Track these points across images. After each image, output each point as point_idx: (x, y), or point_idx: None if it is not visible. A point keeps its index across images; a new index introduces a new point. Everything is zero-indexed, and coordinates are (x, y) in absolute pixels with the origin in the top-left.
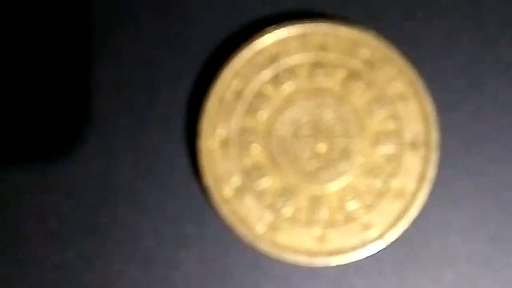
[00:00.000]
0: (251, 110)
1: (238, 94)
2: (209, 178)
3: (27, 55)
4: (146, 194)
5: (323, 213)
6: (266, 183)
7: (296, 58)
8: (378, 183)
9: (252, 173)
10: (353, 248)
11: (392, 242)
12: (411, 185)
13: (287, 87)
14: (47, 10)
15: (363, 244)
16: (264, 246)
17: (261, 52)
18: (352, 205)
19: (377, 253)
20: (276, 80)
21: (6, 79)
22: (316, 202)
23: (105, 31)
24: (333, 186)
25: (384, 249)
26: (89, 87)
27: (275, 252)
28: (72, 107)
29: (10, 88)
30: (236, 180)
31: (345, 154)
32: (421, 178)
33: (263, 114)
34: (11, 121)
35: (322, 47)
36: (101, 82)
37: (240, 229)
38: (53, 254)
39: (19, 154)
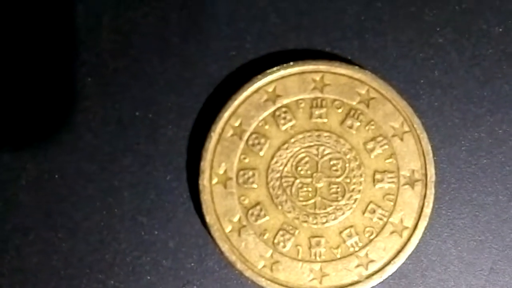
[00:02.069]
0: (251, 148)
1: (239, 133)
2: (210, 215)
3: (29, 95)
4: (149, 230)
5: (322, 250)
6: (266, 220)
7: (295, 98)
8: (376, 219)
9: (252, 211)
10: (352, 284)
11: (390, 277)
12: (408, 221)
13: (286, 126)
14: (51, 51)
15: (362, 280)
16: (264, 282)
17: (260, 91)
18: (350, 241)
19: None
20: (275, 119)
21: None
22: (315, 238)
23: (108, 71)
24: (332, 223)
25: (382, 283)
26: (92, 125)
27: None
28: (76, 145)
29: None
30: (236, 217)
31: (344, 191)
32: (419, 214)
33: (263, 153)
34: None
35: (321, 86)
36: (105, 121)
37: (241, 265)
38: None
39: None
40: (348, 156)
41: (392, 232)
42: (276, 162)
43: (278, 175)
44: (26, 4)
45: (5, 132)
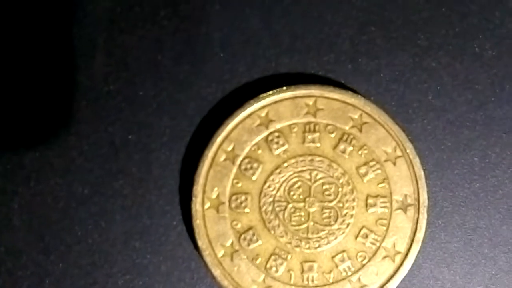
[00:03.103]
0: (244, 173)
1: (231, 158)
2: (202, 240)
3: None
4: (141, 254)
5: (315, 274)
6: (258, 245)
7: (288, 122)
8: (368, 244)
9: (245, 235)
10: None
11: None
12: (401, 246)
13: (279, 150)
14: (45, 73)
15: None
16: None
17: (253, 116)
18: (343, 266)
19: None
20: (268, 143)
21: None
22: (307, 263)
23: (101, 94)
24: (324, 248)
25: None
26: (85, 148)
27: None
28: (68, 168)
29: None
30: (229, 242)
31: (336, 216)
32: (411, 239)
33: (256, 177)
34: None
35: (313, 111)
36: (97, 144)
37: None
38: None
39: None
40: (341, 181)
41: (384, 257)
42: (269, 187)
43: (271, 199)
44: (22, 27)
45: None
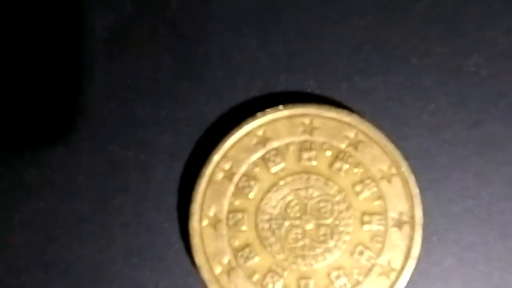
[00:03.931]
0: (241, 191)
1: (229, 176)
2: (200, 257)
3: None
4: (140, 270)
5: None
6: (255, 262)
7: (285, 141)
8: (364, 261)
9: (242, 253)
10: None
11: None
12: (396, 263)
13: (276, 169)
14: (44, 93)
15: None
16: None
17: (250, 135)
18: (339, 283)
19: None
20: (265, 162)
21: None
22: (303, 280)
23: (101, 113)
24: (321, 264)
25: None
26: (84, 166)
27: None
28: (68, 186)
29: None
30: (226, 259)
31: (332, 233)
32: (407, 255)
33: (252, 195)
34: None
35: (310, 130)
36: (97, 162)
37: None
38: None
39: None
40: (336, 198)
41: (380, 274)
42: (266, 204)
43: (268, 217)
44: (22, 46)
45: None
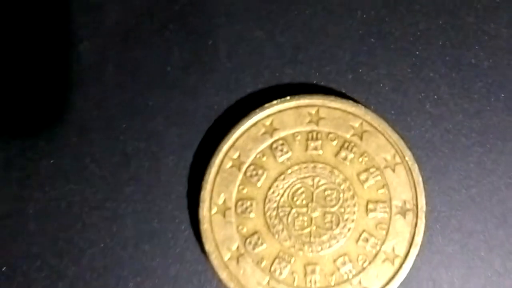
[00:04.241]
0: (249, 179)
1: (237, 165)
2: (209, 244)
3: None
4: (151, 257)
5: (317, 277)
6: (263, 248)
7: (291, 131)
8: (369, 248)
9: (250, 239)
10: None
11: None
12: (400, 249)
13: (283, 158)
14: (58, 85)
15: None
16: None
17: (258, 125)
18: (344, 269)
19: None
20: (272, 151)
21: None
22: (310, 266)
23: (113, 104)
24: (327, 251)
25: None
26: (97, 156)
27: None
28: (81, 175)
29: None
30: (235, 246)
31: (338, 220)
32: (410, 243)
33: (260, 184)
34: None
35: (316, 120)
36: (109, 152)
37: None
38: None
39: None
40: (342, 187)
41: (384, 260)
42: (273, 193)
43: (275, 205)
44: (33, 39)
45: (13, 163)
